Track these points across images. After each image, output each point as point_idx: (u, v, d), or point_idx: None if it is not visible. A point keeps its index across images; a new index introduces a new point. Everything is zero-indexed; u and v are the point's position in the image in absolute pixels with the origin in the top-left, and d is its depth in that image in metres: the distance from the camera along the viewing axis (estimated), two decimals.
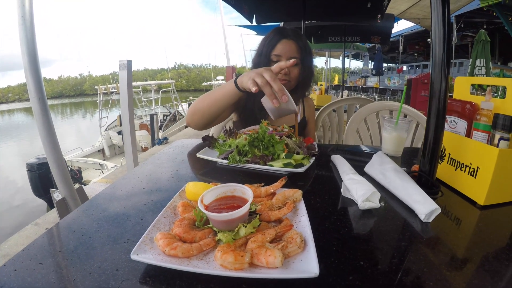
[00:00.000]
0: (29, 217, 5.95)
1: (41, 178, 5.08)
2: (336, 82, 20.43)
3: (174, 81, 17.00)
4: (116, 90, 12.56)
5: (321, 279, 0.50)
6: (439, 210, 0.74)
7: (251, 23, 4.31)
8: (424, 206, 0.75)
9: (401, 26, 16.58)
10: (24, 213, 7.13)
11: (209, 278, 0.51)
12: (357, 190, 0.81)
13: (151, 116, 10.56)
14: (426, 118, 1.76)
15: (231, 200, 0.64)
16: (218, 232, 0.58)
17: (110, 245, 0.62)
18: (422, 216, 0.73)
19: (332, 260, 0.56)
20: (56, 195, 2.40)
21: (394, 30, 8.68)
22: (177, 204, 0.71)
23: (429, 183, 0.93)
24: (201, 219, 0.62)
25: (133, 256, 0.53)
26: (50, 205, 5.09)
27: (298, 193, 0.73)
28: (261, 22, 4.35)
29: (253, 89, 1.06)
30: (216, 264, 0.52)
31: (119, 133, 11.08)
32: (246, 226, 0.57)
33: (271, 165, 1.02)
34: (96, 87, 13.92)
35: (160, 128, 11.51)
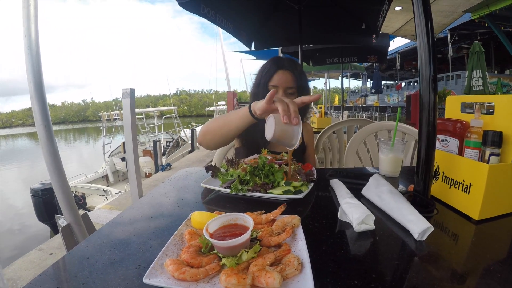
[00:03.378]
0: (32, 242, 5.92)
1: (45, 204, 5.13)
2: (336, 102, 20.54)
3: (176, 107, 17.25)
4: (119, 117, 12.78)
5: None
6: (432, 229, 0.77)
7: (250, 49, 4.41)
8: (417, 225, 0.79)
9: (397, 43, 16.75)
10: (26, 238, 7.12)
11: None
12: (352, 213, 0.85)
13: (154, 142, 10.64)
14: None
15: (233, 228, 0.68)
16: (223, 257, 0.63)
17: (122, 270, 0.67)
18: (415, 235, 0.77)
19: (328, 280, 0.60)
20: (61, 221, 2.41)
21: (390, 48, 8.82)
22: (184, 232, 0.76)
23: (424, 202, 0.97)
24: (206, 246, 0.66)
25: (146, 280, 0.58)
26: (54, 230, 5.10)
27: (296, 219, 0.78)
28: (260, 48, 4.46)
29: (268, 97, 1.07)
30: (221, 287, 0.56)
31: (123, 159, 11.15)
32: (248, 252, 0.61)
33: (271, 193, 1.06)
34: (99, 113, 14.11)
35: (163, 154, 11.59)
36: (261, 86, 1.64)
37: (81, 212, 2.70)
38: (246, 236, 0.62)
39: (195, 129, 13.66)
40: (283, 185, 1.07)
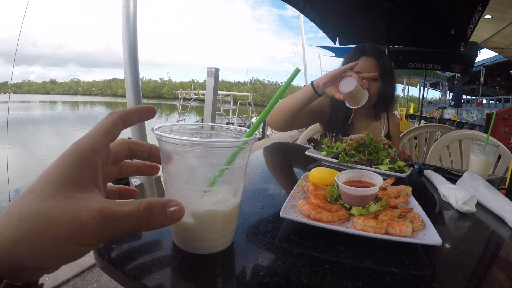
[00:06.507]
0: None
1: None
2: (411, 111, 19.59)
3: (252, 94, 17.74)
4: (196, 96, 13.49)
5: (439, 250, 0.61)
6: None
7: (334, 43, 4.40)
8: None
9: (483, 55, 15.36)
10: None
11: (348, 240, 0.62)
12: (456, 194, 0.89)
13: (228, 124, 10.99)
14: (507, 151, 1.77)
15: (358, 183, 0.75)
16: (349, 208, 0.69)
17: (248, 208, 0.76)
18: (511, 224, 0.80)
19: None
20: (134, 180, 2.60)
21: (476, 60, 8.26)
22: (306, 184, 0.84)
23: None
24: (332, 196, 0.73)
25: (282, 215, 0.65)
26: None
27: (408, 189, 0.83)
28: (344, 43, 4.42)
29: (343, 68, 1.36)
30: (354, 230, 0.62)
31: None
32: (376, 204, 0.67)
33: (377, 168, 1.11)
34: (176, 91, 14.91)
35: None
36: None
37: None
38: (377, 188, 0.69)
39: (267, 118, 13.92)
40: (387, 163, 1.12)
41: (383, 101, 1.76)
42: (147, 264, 0.51)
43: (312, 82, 1.43)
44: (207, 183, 0.50)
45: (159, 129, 0.50)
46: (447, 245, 0.66)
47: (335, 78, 1.37)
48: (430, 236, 0.60)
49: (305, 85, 1.49)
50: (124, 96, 2.34)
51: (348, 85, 1.33)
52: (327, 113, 1.78)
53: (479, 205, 0.94)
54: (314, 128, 2.12)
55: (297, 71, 0.60)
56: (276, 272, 0.51)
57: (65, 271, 2.25)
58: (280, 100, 1.54)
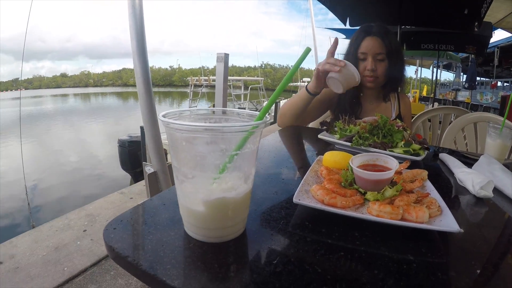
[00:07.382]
0: (111, 188, 6.20)
1: (130, 154, 5.60)
2: (424, 93, 19.22)
3: (262, 78, 17.73)
4: (207, 82, 13.54)
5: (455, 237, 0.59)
6: None
7: (345, 25, 4.31)
8: None
9: (497, 36, 14.73)
10: (106, 184, 7.73)
11: (364, 226, 0.60)
12: (473, 179, 0.86)
13: (240, 109, 11.05)
14: None
15: (374, 167, 0.73)
16: (364, 192, 0.67)
17: (261, 193, 0.75)
18: None
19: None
20: (148, 169, 2.60)
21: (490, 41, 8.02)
22: (320, 168, 0.82)
23: None
24: (346, 180, 0.72)
25: (295, 200, 0.63)
26: (135, 179, 5.53)
27: (424, 173, 0.81)
28: (355, 24, 4.33)
29: (316, 72, 1.33)
30: (369, 216, 0.60)
31: None
32: (391, 188, 0.65)
33: (391, 151, 1.08)
34: (188, 78, 15.02)
35: None
36: (350, 54, 1.65)
37: (168, 162, 2.90)
38: (392, 172, 0.67)
39: (279, 102, 13.84)
40: (401, 146, 1.09)
41: (391, 81, 1.72)
42: (158, 254, 0.51)
43: (306, 87, 1.45)
44: (217, 170, 0.49)
45: (167, 115, 0.49)
46: (464, 231, 0.63)
47: (321, 80, 1.36)
48: (448, 222, 0.58)
49: (308, 82, 1.48)
50: (134, 85, 2.32)
51: (335, 85, 1.31)
52: (335, 97, 1.74)
53: (496, 190, 0.90)
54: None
55: (307, 50, 0.60)
56: (289, 260, 0.50)
57: (82, 260, 2.29)
58: (283, 103, 1.58)
